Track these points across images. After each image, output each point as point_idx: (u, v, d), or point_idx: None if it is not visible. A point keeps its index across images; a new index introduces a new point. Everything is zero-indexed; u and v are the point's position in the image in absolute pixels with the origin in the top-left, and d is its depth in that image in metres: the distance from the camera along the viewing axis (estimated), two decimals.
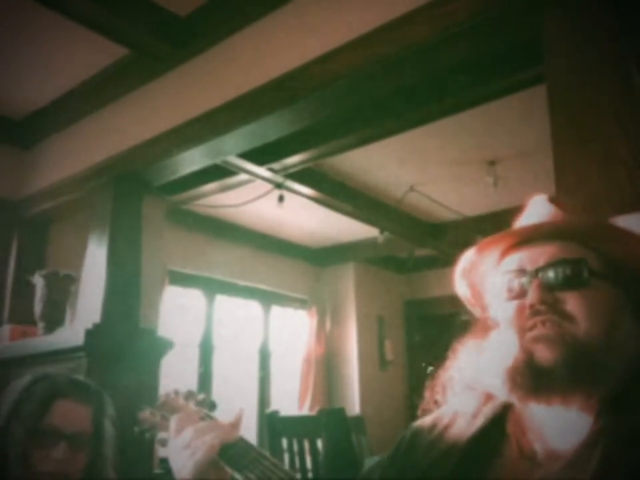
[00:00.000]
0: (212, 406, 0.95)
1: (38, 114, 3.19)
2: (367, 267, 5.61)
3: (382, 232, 4.46)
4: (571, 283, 0.77)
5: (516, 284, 0.81)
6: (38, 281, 2.83)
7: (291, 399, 5.07)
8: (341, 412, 2.89)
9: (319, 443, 2.78)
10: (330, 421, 2.73)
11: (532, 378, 0.73)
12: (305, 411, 4.88)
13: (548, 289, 0.77)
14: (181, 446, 0.85)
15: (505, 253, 0.86)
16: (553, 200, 0.90)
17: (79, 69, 2.82)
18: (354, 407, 5.05)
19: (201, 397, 0.95)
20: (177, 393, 0.97)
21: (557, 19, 1.60)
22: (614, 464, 0.66)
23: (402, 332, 5.86)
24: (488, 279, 0.88)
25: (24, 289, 3.01)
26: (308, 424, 2.91)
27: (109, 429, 1.36)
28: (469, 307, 0.95)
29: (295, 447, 2.88)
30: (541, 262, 0.79)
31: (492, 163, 3.64)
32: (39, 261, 3.21)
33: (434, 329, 5.50)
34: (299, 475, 2.87)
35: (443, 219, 4.65)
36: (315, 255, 5.49)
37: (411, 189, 4.04)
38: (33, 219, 3.30)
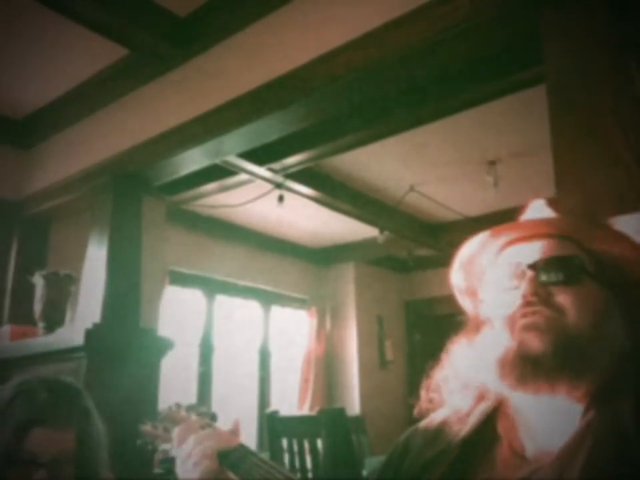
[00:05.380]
0: (213, 417, 0.96)
1: (38, 114, 3.19)
2: (367, 267, 5.61)
3: (382, 232, 4.46)
4: (563, 278, 0.80)
5: (512, 277, 0.83)
6: (38, 281, 2.83)
7: (291, 399, 5.07)
8: (341, 412, 2.89)
9: (319, 443, 2.78)
10: (330, 420, 2.73)
11: (521, 366, 0.75)
12: (305, 411, 4.88)
13: (541, 282, 0.80)
14: (184, 455, 0.88)
15: (503, 247, 0.89)
16: (551, 203, 0.93)
17: (79, 69, 2.82)
18: (354, 406, 5.05)
19: (202, 408, 0.97)
20: (178, 406, 0.98)
21: (555, 18, 1.60)
22: (602, 457, 0.68)
23: (402, 332, 5.87)
24: (485, 272, 0.91)
25: (24, 289, 3.01)
26: (308, 424, 2.91)
27: (97, 435, 1.31)
28: (460, 300, 0.96)
29: (295, 447, 2.87)
30: (537, 257, 0.82)
31: (492, 162, 3.63)
32: (39, 261, 3.21)
33: (434, 329, 5.51)
34: (298, 475, 2.87)
35: (443, 219, 4.65)
36: (315, 255, 5.49)
37: (411, 189, 4.04)
38: (33, 219, 3.30)
